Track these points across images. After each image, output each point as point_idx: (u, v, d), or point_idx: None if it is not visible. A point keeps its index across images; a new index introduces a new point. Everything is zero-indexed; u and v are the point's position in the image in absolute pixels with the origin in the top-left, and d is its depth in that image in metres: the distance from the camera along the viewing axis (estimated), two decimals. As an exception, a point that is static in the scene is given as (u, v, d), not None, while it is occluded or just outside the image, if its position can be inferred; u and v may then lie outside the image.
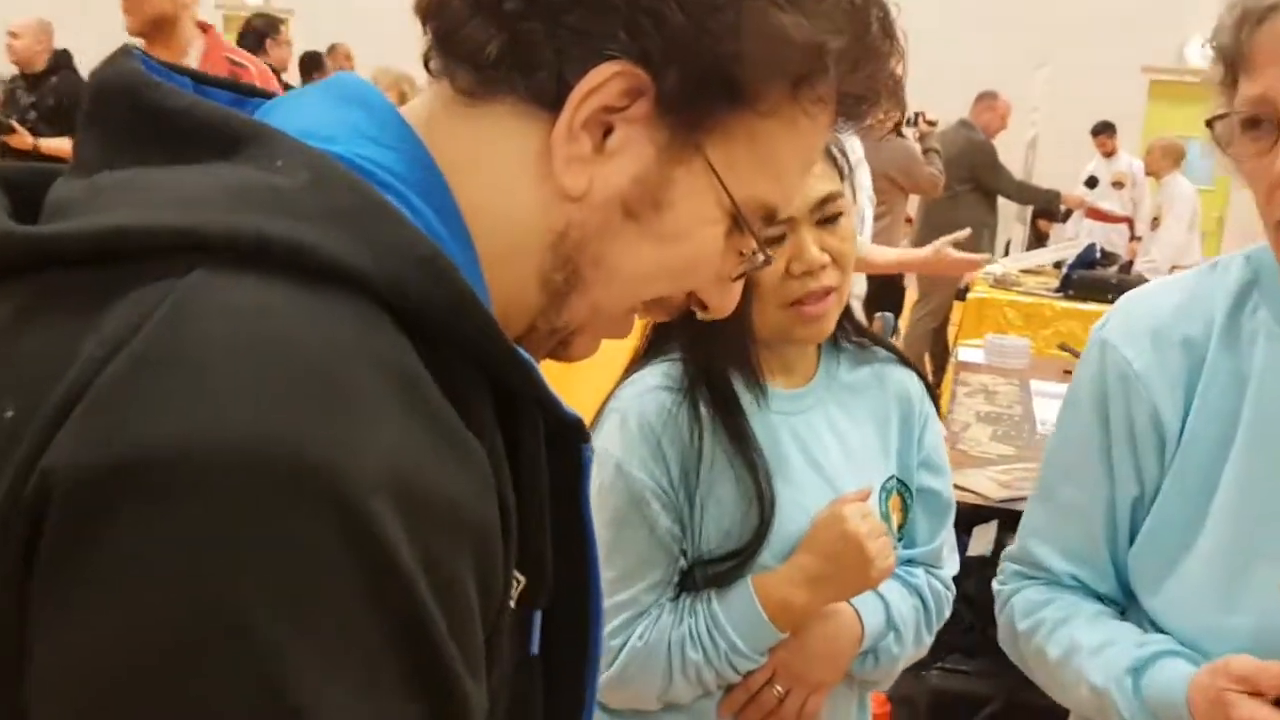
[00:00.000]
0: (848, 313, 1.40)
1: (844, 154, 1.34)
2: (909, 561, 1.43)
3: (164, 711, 0.45)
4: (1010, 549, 1.31)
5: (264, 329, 0.49)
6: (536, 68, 0.61)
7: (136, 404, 0.47)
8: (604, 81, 0.61)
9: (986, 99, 6.88)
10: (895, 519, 1.40)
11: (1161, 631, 1.15)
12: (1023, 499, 2.73)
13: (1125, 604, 1.23)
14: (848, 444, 1.38)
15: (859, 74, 0.66)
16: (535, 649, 0.66)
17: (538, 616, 0.66)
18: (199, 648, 0.45)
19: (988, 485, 2.76)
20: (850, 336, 1.43)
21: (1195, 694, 1.06)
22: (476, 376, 0.57)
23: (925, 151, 5.54)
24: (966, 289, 6.53)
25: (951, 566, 1.48)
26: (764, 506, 1.28)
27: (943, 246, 3.28)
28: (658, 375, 1.33)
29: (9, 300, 0.55)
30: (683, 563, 1.31)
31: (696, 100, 0.62)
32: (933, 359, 6.78)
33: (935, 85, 7.31)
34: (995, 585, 1.32)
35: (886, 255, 3.67)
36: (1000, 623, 1.31)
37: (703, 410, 1.29)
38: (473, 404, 0.56)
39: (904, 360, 1.47)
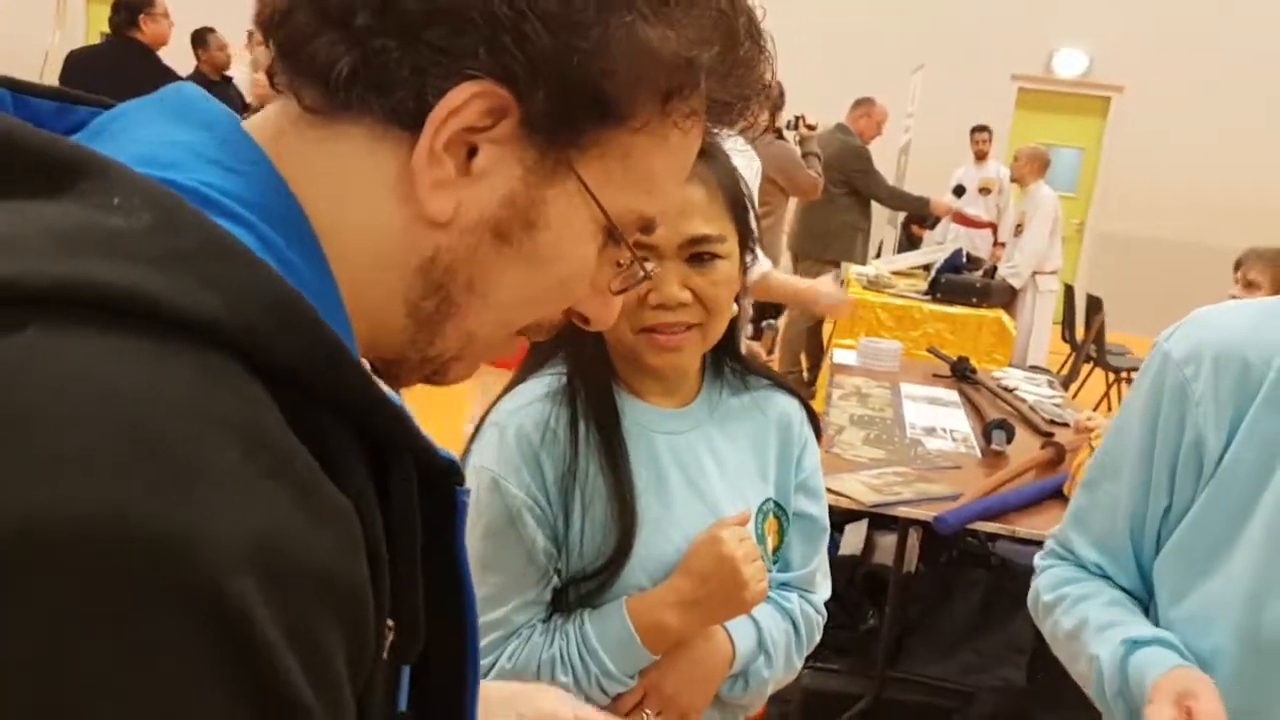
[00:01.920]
0: (731, 341, 1.40)
1: (749, 201, 1.32)
2: (783, 585, 1.44)
3: None
4: (1056, 528, 1.38)
5: (101, 393, 0.44)
6: (393, 87, 0.57)
7: None
8: (464, 102, 0.57)
9: (864, 105, 7.01)
10: (771, 541, 1.41)
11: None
12: (892, 504, 2.82)
13: (1147, 602, 1.27)
14: (726, 466, 1.38)
15: (729, 81, 0.64)
16: (403, 704, 0.64)
17: (406, 672, 0.63)
18: None
19: (860, 490, 2.83)
20: (732, 363, 1.44)
21: (1162, 684, 1.10)
22: (343, 426, 0.54)
23: (805, 155, 5.62)
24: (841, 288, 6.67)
25: (824, 592, 1.49)
26: (626, 521, 1.27)
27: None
28: (540, 386, 1.32)
29: None
30: (556, 581, 1.30)
31: (565, 119, 0.59)
32: (808, 357, 6.91)
33: (814, 90, 7.43)
34: (1036, 559, 1.38)
35: (788, 285, 3.74)
36: (1030, 594, 1.37)
37: (581, 424, 1.29)
38: (339, 455, 0.52)
39: (786, 387, 1.48)
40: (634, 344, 1.29)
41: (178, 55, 6.19)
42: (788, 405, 1.46)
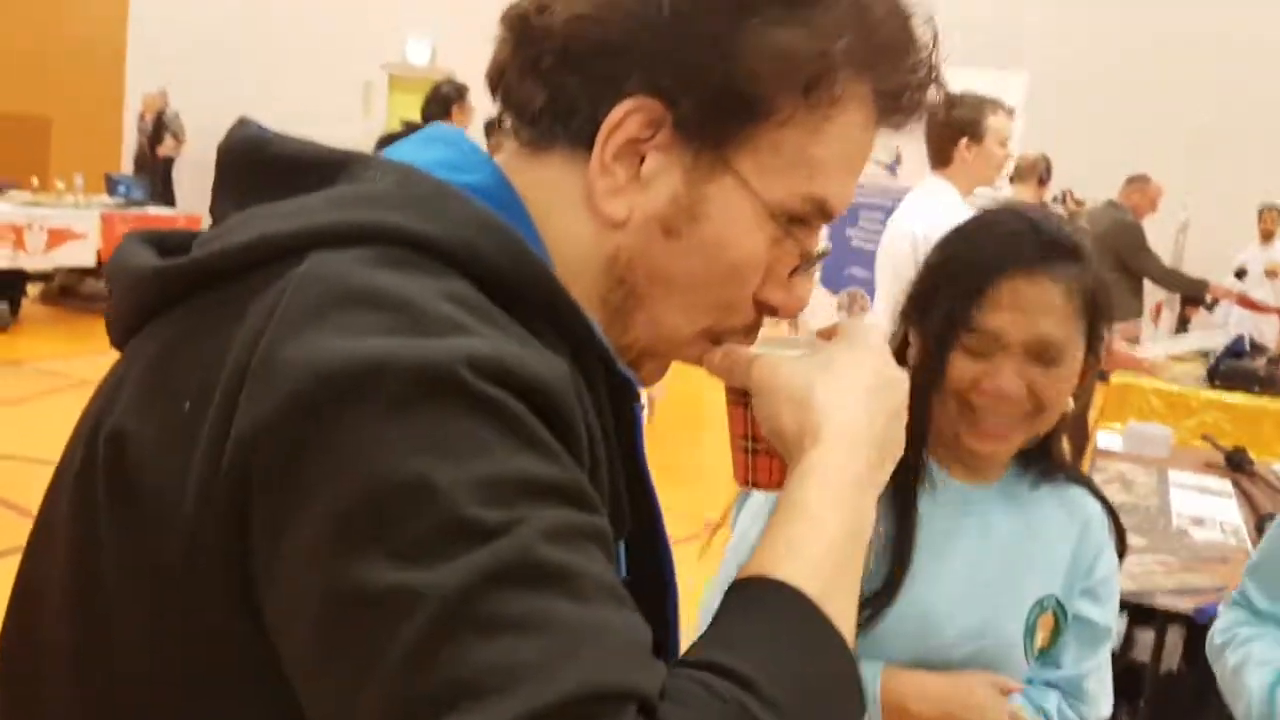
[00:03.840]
0: (1050, 439, 1.40)
1: (1102, 315, 1.32)
2: (1046, 683, 1.42)
3: (377, 557, 0.54)
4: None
5: (368, 283, 0.60)
6: (572, 114, 0.71)
7: (296, 356, 0.57)
8: (623, 118, 0.70)
9: (1137, 182, 6.78)
10: (1041, 636, 1.39)
11: None
12: (1150, 593, 2.70)
13: None
14: (1009, 553, 1.38)
15: (880, 69, 0.72)
16: (623, 573, 0.72)
17: (622, 545, 0.72)
18: (399, 500, 0.55)
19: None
20: (1043, 461, 1.43)
21: None
22: (548, 328, 0.66)
23: (1071, 233, 5.47)
24: (1108, 372, 6.41)
25: (1100, 708, 1.44)
26: (901, 561, 1.30)
27: None
28: None
29: (171, 325, 0.67)
30: None
31: (712, 122, 0.70)
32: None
33: (1086, 166, 7.24)
34: (1220, 606, 1.48)
35: None
36: (1207, 638, 1.48)
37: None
38: (549, 345, 0.64)
39: (1095, 491, 1.47)
40: (957, 424, 1.31)
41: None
42: (1089, 505, 1.45)
